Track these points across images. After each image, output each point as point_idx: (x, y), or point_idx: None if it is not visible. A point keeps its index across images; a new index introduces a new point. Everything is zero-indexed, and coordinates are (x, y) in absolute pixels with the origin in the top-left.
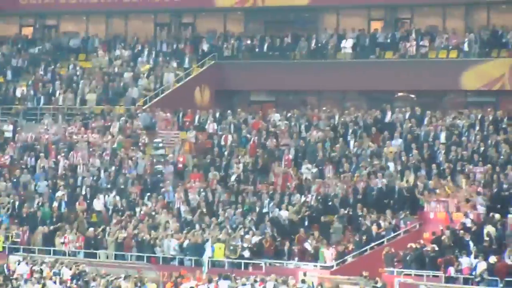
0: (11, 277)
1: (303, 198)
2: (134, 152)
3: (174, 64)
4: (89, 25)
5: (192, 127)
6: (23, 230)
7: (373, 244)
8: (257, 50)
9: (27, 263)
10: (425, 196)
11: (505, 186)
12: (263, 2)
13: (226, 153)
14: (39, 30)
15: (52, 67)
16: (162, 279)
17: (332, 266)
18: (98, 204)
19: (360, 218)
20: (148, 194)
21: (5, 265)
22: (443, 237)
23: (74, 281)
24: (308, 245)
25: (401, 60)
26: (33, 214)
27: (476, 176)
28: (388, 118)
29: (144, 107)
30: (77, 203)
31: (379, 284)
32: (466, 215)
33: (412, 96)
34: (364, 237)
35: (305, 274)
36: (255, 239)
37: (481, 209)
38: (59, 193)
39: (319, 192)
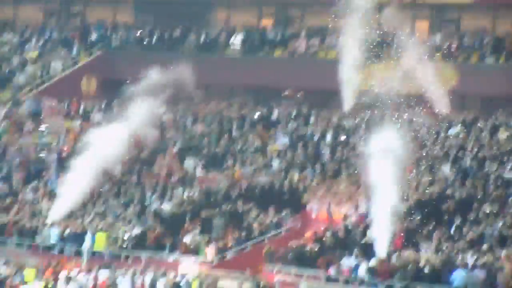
0: None
1: (186, 192)
2: (18, 138)
3: (62, 53)
4: None
5: (77, 116)
6: None
7: (254, 241)
8: (145, 42)
9: None
10: (308, 195)
11: None
12: None
13: None
14: None
15: None
16: (42, 267)
17: (213, 261)
18: None
19: (242, 214)
20: (31, 181)
21: None
22: (324, 238)
23: None
24: (188, 239)
25: (290, 58)
26: None
27: (361, 177)
28: (274, 115)
29: (30, 94)
30: None
31: (261, 285)
32: (347, 216)
33: (300, 95)
34: (245, 234)
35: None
36: (137, 230)
37: (364, 210)
38: None
39: (202, 186)
